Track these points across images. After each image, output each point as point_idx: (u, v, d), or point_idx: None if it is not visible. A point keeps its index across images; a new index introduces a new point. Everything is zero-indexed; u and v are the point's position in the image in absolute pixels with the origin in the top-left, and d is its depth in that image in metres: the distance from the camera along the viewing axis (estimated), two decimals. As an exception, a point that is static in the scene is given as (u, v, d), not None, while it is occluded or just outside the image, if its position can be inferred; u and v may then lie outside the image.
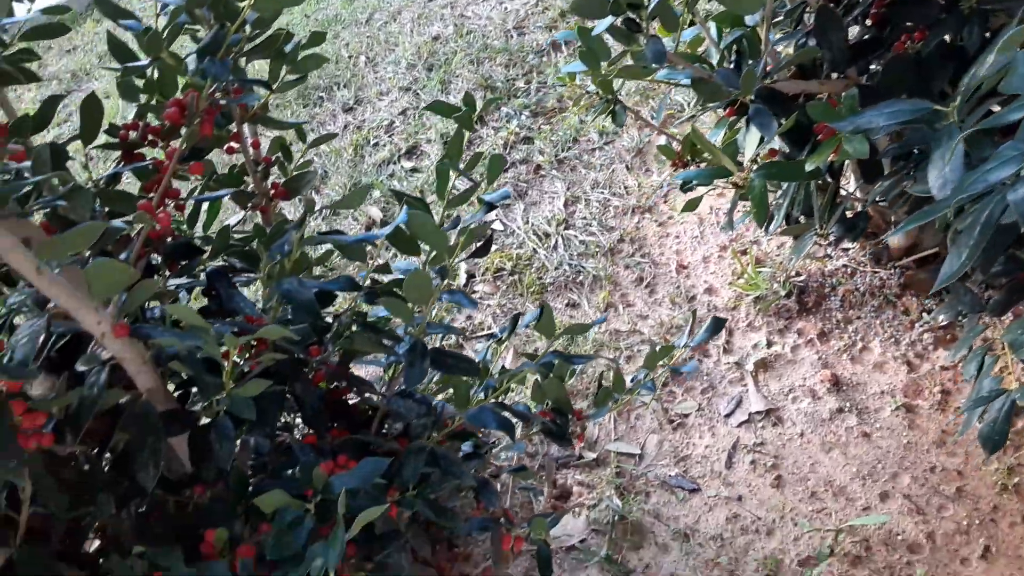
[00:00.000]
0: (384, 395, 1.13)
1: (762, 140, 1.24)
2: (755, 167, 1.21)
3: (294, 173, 1.17)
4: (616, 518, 1.52)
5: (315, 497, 0.88)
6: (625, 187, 2.36)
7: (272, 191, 1.17)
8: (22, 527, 0.86)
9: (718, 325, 1.16)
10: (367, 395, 1.14)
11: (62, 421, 0.86)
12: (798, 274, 1.87)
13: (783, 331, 1.78)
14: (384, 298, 0.98)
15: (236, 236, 1.08)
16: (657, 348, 1.16)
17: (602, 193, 2.35)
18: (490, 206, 0.99)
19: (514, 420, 1.06)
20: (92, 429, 0.94)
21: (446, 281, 1.01)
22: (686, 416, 1.68)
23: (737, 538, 1.45)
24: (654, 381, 1.18)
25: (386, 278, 1.13)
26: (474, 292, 2.16)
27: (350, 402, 1.15)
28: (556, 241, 2.23)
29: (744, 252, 1.98)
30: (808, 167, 1.13)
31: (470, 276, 2.21)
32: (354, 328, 1.10)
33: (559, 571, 1.48)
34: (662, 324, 1.89)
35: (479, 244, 1.06)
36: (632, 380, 1.23)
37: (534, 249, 2.22)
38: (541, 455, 1.68)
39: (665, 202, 2.27)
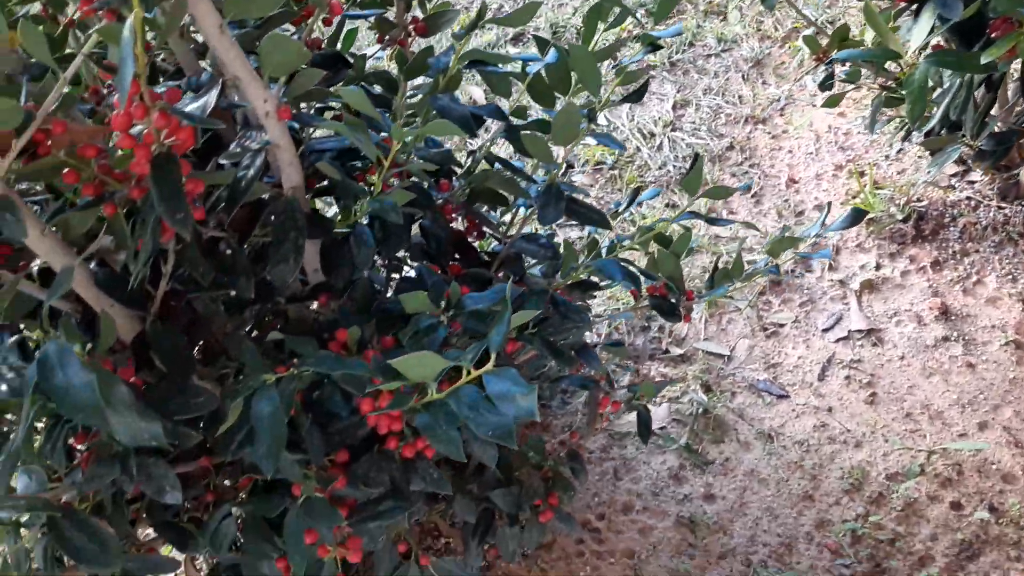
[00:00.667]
0: (506, 238, 1.12)
1: (932, 30, 1.16)
2: (922, 57, 1.14)
3: (434, 11, 1.14)
4: (699, 411, 1.51)
5: (446, 313, 0.88)
6: (739, 96, 2.27)
7: (412, 24, 1.15)
8: (157, 301, 0.88)
9: (857, 216, 1.11)
10: (490, 235, 1.13)
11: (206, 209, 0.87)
12: (919, 199, 1.80)
13: (894, 256, 1.72)
14: (527, 134, 0.95)
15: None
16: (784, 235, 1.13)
17: (714, 99, 2.27)
18: (654, 46, 0.95)
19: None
20: (234, 219, 0.95)
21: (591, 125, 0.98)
22: (781, 326, 1.65)
23: (823, 446, 1.43)
24: (778, 267, 1.14)
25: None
26: (572, 182, 2.13)
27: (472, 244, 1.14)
28: (661, 141, 2.17)
29: (863, 173, 1.90)
30: (983, 60, 1.06)
31: (569, 166, 2.17)
32: (487, 166, 1.09)
33: (636, 453, 1.48)
34: (766, 235, 1.84)
35: (634, 89, 1.02)
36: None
37: (637, 147, 2.17)
38: (628, 344, 1.67)
39: (781, 115, 2.19)
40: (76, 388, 0.62)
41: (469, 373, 0.68)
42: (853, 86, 1.58)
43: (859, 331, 1.60)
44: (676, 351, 1.65)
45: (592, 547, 1.35)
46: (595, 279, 1.08)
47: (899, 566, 1.25)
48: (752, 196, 1.95)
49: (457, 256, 1.10)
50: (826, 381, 1.54)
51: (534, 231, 1.10)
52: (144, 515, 0.97)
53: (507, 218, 1.20)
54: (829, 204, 1.23)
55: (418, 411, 0.80)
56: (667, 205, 2.00)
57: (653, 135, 2.19)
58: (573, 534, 1.34)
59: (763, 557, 1.30)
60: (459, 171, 1.11)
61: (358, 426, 0.89)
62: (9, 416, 1.01)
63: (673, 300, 1.18)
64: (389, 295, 1.10)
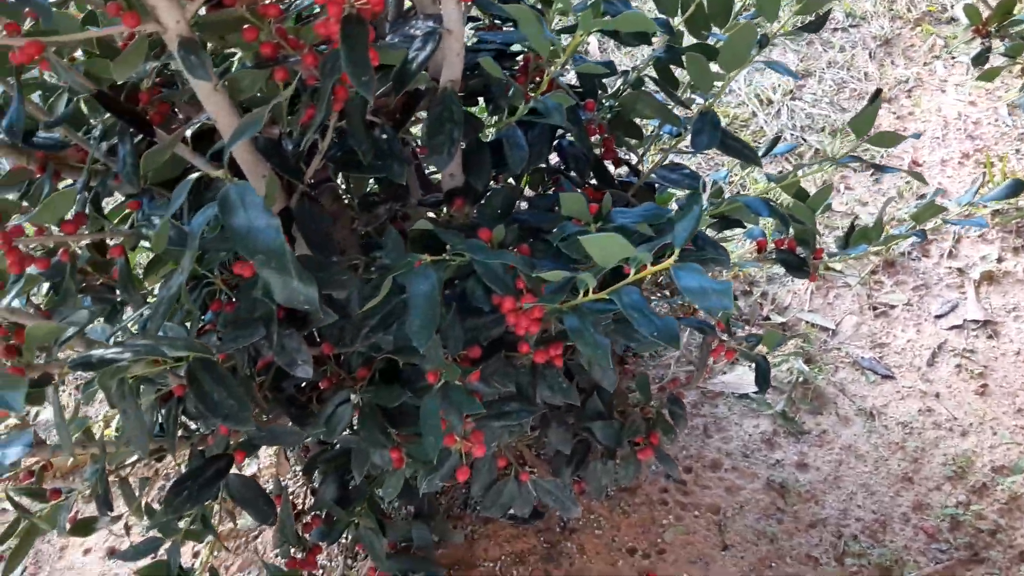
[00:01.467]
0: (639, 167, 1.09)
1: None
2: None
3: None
4: (799, 380, 1.48)
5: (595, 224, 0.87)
6: (865, 73, 2.19)
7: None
8: (309, 173, 0.88)
9: (1017, 188, 1.06)
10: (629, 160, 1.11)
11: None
12: (1053, 195, 1.70)
13: (1018, 250, 1.64)
14: (691, 54, 0.92)
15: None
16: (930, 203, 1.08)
17: (838, 73, 2.19)
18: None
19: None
20: (389, 107, 0.95)
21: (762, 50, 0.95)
22: (892, 307, 1.59)
23: (927, 431, 1.38)
24: (925, 231, 1.09)
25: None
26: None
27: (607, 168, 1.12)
28: (780, 109, 2.10)
29: (993, 163, 1.81)
30: None
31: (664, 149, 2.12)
32: (636, 89, 1.06)
33: (728, 414, 1.46)
34: (916, 196, 1.77)
35: (812, 19, 0.98)
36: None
37: (753, 112, 2.10)
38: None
39: (908, 97, 2.10)
40: (258, 229, 0.63)
41: (637, 270, 0.66)
42: (1010, 61, 1.50)
43: (975, 321, 1.54)
44: (778, 319, 1.61)
45: (676, 498, 1.33)
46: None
47: (998, 557, 1.20)
48: (872, 175, 1.88)
49: (593, 179, 1.08)
50: (935, 367, 1.48)
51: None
52: (266, 390, 0.98)
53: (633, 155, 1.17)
54: (984, 172, 1.17)
55: (564, 314, 0.79)
56: (780, 172, 1.94)
57: (771, 102, 2.12)
58: (672, 475, 1.32)
59: (855, 531, 1.26)
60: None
61: (492, 326, 0.88)
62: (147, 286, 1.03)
63: (802, 256, 1.15)
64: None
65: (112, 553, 1.47)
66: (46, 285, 0.96)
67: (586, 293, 0.76)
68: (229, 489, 0.90)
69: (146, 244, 0.87)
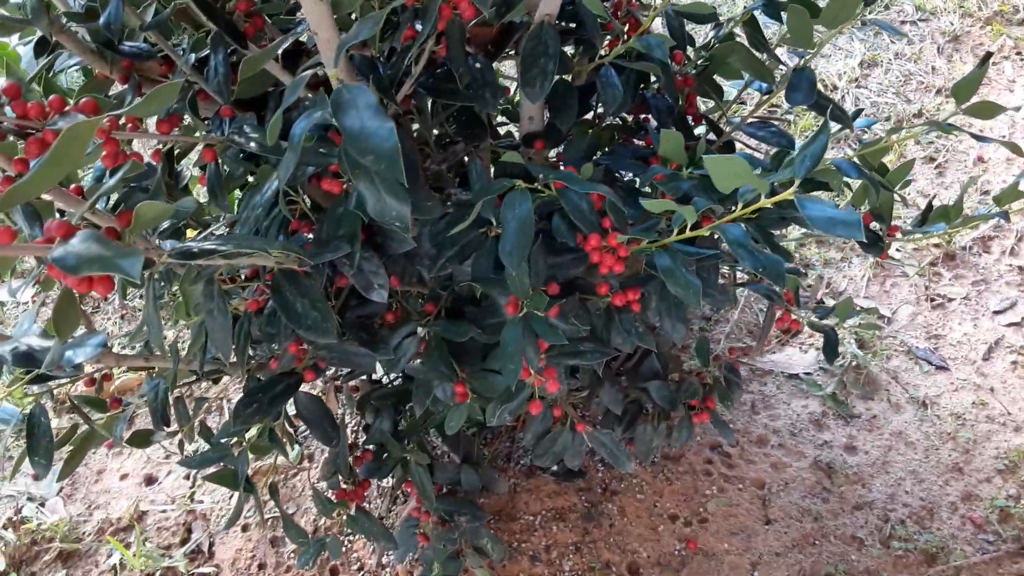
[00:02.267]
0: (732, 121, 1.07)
1: None
2: None
3: None
4: (851, 364, 1.46)
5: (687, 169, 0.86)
6: (932, 67, 2.15)
7: None
8: (402, 94, 0.87)
9: (1110, 174, 1.03)
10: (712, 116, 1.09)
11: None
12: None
13: (1083, 253, 1.61)
14: (794, 6, 0.90)
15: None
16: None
17: (905, 65, 2.15)
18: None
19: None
20: (481, 38, 0.94)
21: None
22: (950, 300, 1.57)
23: (980, 423, 1.36)
24: (1007, 214, 1.07)
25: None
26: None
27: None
28: (843, 95, 2.07)
29: (1062, 164, 1.78)
30: None
31: (740, 103, 2.10)
32: (727, 42, 1.04)
33: (777, 392, 1.44)
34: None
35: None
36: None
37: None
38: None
39: (976, 95, 2.05)
40: (371, 130, 0.62)
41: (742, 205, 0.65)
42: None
43: (1035, 320, 1.51)
44: (832, 303, 1.58)
45: (721, 470, 1.32)
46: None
47: (1048, 555, 1.18)
48: (936, 167, 1.85)
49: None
50: (991, 362, 1.45)
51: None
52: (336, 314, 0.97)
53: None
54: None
55: (654, 253, 0.78)
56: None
57: (836, 88, 2.09)
58: (728, 440, 1.31)
59: (902, 516, 1.25)
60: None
61: (572, 265, 0.87)
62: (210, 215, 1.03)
63: (878, 232, 1.13)
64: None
65: (151, 481, 1.49)
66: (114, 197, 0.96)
67: (680, 233, 0.75)
68: (297, 406, 0.90)
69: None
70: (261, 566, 1.30)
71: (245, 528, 1.36)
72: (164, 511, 1.41)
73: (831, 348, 1.07)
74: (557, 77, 0.93)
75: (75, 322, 0.63)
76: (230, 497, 1.41)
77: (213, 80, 0.87)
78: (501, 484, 1.22)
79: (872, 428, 1.37)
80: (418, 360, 1.01)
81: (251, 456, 0.94)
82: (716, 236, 0.86)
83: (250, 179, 1.08)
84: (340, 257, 0.82)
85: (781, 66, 1.04)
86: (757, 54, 1.04)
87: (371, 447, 1.14)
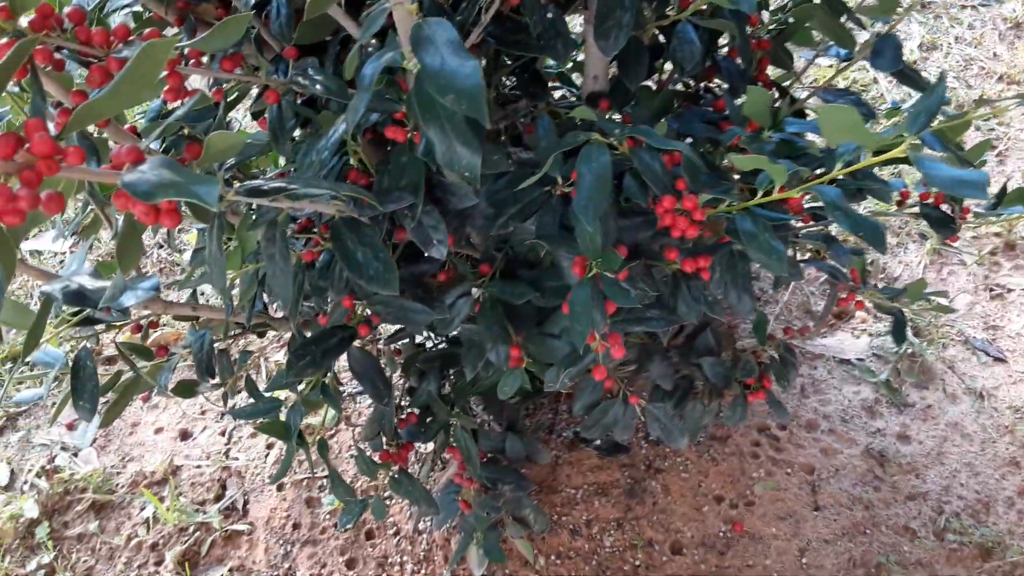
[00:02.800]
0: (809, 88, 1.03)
1: None
2: None
3: None
4: (906, 351, 1.41)
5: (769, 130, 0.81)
6: (994, 53, 2.08)
7: None
8: (469, 41, 0.84)
9: None
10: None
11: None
12: None
13: None
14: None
15: None
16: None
17: (965, 50, 2.08)
18: None
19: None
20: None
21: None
22: (1009, 290, 1.51)
23: (1040, 418, 1.32)
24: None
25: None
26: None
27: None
28: (902, 79, 2.00)
29: None
30: None
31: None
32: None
33: (828, 377, 1.40)
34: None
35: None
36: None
37: (875, 79, 2.01)
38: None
39: (1043, 82, 1.99)
40: (453, 70, 0.58)
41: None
42: None
43: (1099, 315, 1.45)
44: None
45: (769, 453, 1.29)
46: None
47: (1110, 556, 1.14)
48: (996, 155, 1.79)
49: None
50: (1052, 356, 1.40)
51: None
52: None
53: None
54: None
55: (736, 216, 0.74)
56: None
57: (894, 71, 2.02)
58: (783, 421, 1.28)
59: (956, 509, 1.20)
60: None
61: (641, 228, 0.83)
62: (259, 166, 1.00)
63: (949, 212, 1.08)
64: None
65: (185, 436, 1.48)
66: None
67: (766, 194, 0.71)
68: (349, 360, 0.88)
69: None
70: (296, 526, 1.29)
71: (280, 487, 1.35)
72: (199, 466, 1.40)
73: (899, 330, 1.03)
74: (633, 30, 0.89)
75: (138, 256, 0.61)
76: (266, 456, 1.40)
77: (275, 22, 0.84)
78: (544, 454, 1.19)
79: (927, 418, 1.33)
80: (470, 323, 0.98)
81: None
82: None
83: (298, 132, 1.05)
84: (401, 209, 0.79)
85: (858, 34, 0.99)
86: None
87: (415, 410, 1.11)
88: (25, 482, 1.38)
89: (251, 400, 0.98)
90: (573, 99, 1.14)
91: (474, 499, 1.12)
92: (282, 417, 0.89)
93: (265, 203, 0.63)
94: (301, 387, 0.87)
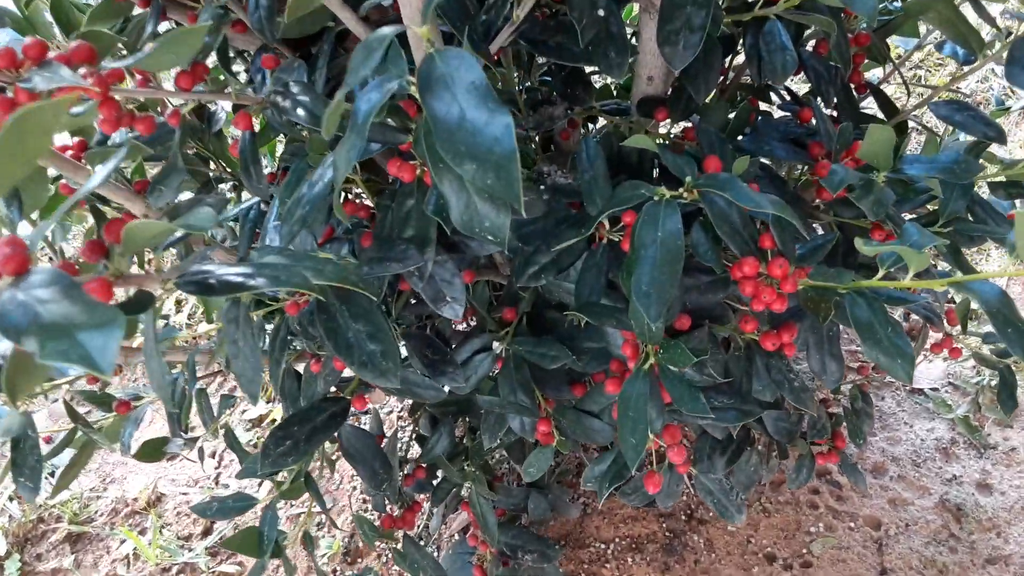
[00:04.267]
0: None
1: None
2: None
3: None
4: (988, 383, 1.23)
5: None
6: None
7: None
8: (496, 44, 0.66)
9: None
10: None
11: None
12: None
13: None
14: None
15: None
16: None
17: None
18: None
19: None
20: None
21: None
22: (1105, 310, 1.32)
23: None
24: None
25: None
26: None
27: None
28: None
29: None
30: None
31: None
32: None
33: (897, 410, 1.23)
34: None
35: None
36: None
37: (1011, 91, 1.79)
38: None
39: None
40: (476, 127, 0.41)
41: None
42: None
43: None
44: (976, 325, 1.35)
45: (829, 502, 1.13)
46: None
47: None
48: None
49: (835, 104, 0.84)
50: None
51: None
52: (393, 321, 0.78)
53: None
54: None
55: (844, 297, 0.56)
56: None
57: None
58: (860, 487, 1.11)
59: (1047, 579, 1.05)
60: None
61: (709, 289, 0.66)
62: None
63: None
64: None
65: (172, 456, 1.33)
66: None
67: (887, 277, 0.54)
68: (341, 439, 0.72)
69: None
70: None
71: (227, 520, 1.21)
72: (185, 494, 1.26)
73: (1008, 394, 0.86)
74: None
75: (33, 385, 0.44)
76: (259, 484, 1.25)
77: (254, 14, 0.66)
78: (572, 509, 1.04)
79: (1011, 463, 1.16)
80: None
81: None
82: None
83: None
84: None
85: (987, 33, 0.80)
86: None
87: (423, 463, 0.96)
88: (-6, 507, 1.25)
89: (232, 455, 0.83)
90: (618, 99, 0.95)
91: (490, 566, 0.97)
92: (256, 515, 0.74)
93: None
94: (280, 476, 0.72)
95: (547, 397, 0.78)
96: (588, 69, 0.90)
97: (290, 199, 0.57)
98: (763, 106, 0.91)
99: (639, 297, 0.51)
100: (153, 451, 0.83)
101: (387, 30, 0.44)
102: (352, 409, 0.71)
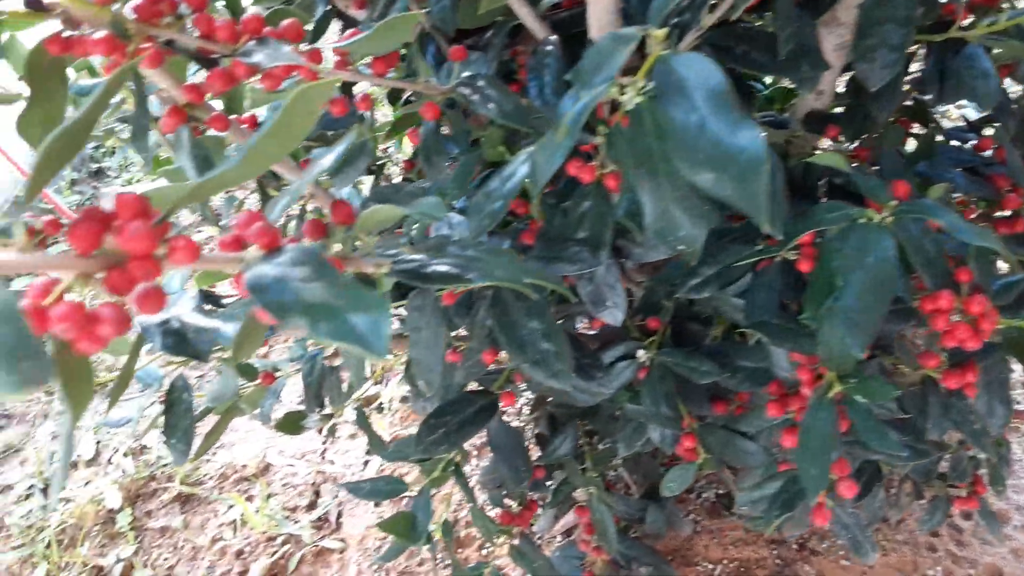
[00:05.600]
0: None
1: None
2: None
3: None
4: None
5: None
6: None
7: None
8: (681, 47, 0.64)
9: None
10: None
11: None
12: None
13: None
14: None
15: None
16: None
17: None
18: None
19: None
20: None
21: None
22: None
23: None
24: None
25: None
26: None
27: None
28: None
29: None
30: None
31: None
32: None
33: (1022, 454, 1.17)
34: None
35: None
36: None
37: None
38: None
39: None
40: (719, 138, 0.39)
41: None
42: None
43: None
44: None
45: (948, 546, 1.08)
46: None
47: None
48: None
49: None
50: None
51: None
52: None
53: None
54: None
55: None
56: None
57: None
58: (995, 537, 1.06)
59: None
60: None
61: (892, 319, 0.63)
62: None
63: None
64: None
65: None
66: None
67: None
68: (489, 434, 0.72)
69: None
70: (391, 552, 1.16)
71: (378, 502, 1.22)
72: (292, 466, 1.29)
73: None
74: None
75: (256, 346, 0.45)
76: (364, 464, 1.27)
77: (436, 6, 0.67)
78: (685, 524, 1.02)
79: None
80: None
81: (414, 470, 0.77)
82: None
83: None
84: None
85: None
86: None
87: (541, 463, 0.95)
88: (110, 461, 1.30)
89: (365, 440, 0.84)
90: (773, 112, 0.93)
91: (600, 572, 0.96)
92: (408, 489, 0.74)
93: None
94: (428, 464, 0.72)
95: (691, 412, 0.76)
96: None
97: (479, 192, 0.57)
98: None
99: (847, 324, 0.49)
100: (293, 424, 0.85)
101: (630, 30, 0.43)
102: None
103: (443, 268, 0.44)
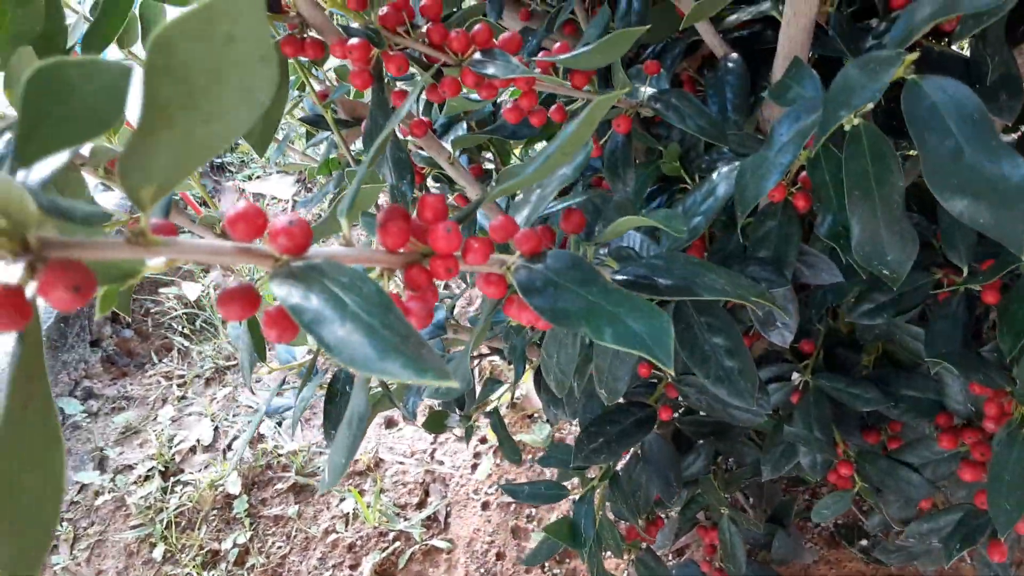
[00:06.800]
0: None
1: None
2: None
3: None
4: None
5: None
6: None
7: None
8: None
9: None
10: None
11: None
12: None
13: None
14: None
15: None
16: None
17: None
18: None
19: None
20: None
21: None
22: None
23: None
24: None
25: None
26: None
27: None
28: None
29: None
30: None
31: None
32: None
33: None
34: None
35: None
36: None
37: None
38: None
39: None
40: (972, 158, 0.39)
41: None
42: None
43: None
44: None
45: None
46: None
47: None
48: None
49: None
50: None
51: None
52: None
53: None
54: None
55: None
56: None
57: None
58: None
59: None
60: None
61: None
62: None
63: None
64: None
65: (391, 424, 1.39)
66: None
67: None
68: (643, 447, 0.72)
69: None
70: (499, 555, 1.17)
71: (485, 506, 1.24)
72: (402, 463, 1.31)
73: None
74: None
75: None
76: (473, 467, 1.29)
77: (625, 17, 0.68)
78: (808, 554, 1.00)
79: None
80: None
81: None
82: None
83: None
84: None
85: None
86: None
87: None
88: (228, 447, 1.35)
89: (499, 443, 0.86)
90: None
91: (723, 595, 0.95)
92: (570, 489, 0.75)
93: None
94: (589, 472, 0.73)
95: (846, 439, 0.76)
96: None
97: (677, 208, 0.58)
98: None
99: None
100: (437, 423, 0.87)
101: (886, 54, 0.43)
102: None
103: (670, 281, 0.45)
